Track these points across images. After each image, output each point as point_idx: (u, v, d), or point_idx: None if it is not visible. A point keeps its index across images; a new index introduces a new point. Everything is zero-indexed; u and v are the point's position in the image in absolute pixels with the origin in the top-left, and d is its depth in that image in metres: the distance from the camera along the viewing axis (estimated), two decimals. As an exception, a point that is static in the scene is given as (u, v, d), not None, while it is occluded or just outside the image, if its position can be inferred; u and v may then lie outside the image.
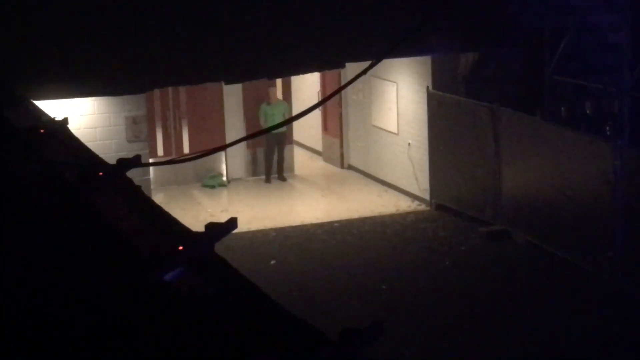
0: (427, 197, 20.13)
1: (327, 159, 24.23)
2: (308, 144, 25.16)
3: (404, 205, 20.39)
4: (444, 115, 19.27)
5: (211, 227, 5.28)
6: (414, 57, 19.34)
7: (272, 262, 17.17)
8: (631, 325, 13.95)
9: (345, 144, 23.55)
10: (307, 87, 24.00)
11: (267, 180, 22.65)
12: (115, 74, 16.57)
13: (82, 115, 17.71)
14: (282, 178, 22.72)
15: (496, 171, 18.00)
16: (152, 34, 16.73)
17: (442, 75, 19.66)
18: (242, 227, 13.21)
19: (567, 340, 13.68)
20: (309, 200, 21.31)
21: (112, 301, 4.49)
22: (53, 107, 15.81)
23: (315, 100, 22.46)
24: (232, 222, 5.48)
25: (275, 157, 22.70)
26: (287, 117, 21.78)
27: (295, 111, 21.80)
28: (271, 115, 22.06)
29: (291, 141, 23.47)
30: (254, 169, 23.12)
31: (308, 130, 24.48)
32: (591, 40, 18.06)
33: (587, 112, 17.62)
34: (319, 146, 24.72)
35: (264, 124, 21.98)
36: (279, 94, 23.01)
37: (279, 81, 22.87)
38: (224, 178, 22.48)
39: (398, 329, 13.65)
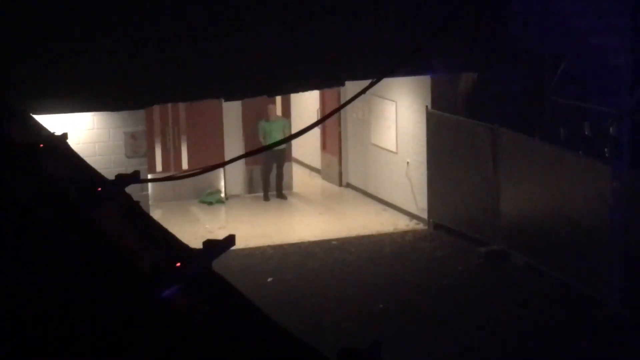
0: (425, 216, 20.12)
1: (326, 177, 24.21)
2: (307, 161, 25.15)
3: (402, 224, 20.37)
4: (443, 134, 19.27)
5: (209, 244, 5.27)
6: (413, 77, 19.37)
7: (269, 279, 17.14)
8: (629, 348, 13.92)
9: (344, 162, 23.54)
10: (306, 104, 24.01)
11: (265, 197, 22.60)
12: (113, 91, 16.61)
13: (82, 131, 17.72)
14: (281, 196, 22.63)
15: (495, 191, 17.99)
16: (152, 50, 16.76)
17: (442, 94, 19.67)
18: (239, 244, 13.16)
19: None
20: (307, 218, 21.29)
21: (110, 318, 4.48)
22: (53, 122, 15.81)
23: (314, 118, 22.47)
24: (230, 239, 5.47)
25: (274, 174, 22.67)
26: (286, 133, 21.78)
27: (295, 129, 21.80)
28: (270, 132, 22.05)
29: (290, 159, 23.46)
30: (251, 186, 23.10)
31: (307, 148, 24.47)
32: (591, 62, 18.09)
33: (587, 133, 17.64)
34: (317, 164, 24.71)
35: (263, 140, 21.97)
36: (278, 111, 23.02)
37: (278, 98, 22.88)
38: (222, 194, 22.47)
39: (395, 349, 13.61)
